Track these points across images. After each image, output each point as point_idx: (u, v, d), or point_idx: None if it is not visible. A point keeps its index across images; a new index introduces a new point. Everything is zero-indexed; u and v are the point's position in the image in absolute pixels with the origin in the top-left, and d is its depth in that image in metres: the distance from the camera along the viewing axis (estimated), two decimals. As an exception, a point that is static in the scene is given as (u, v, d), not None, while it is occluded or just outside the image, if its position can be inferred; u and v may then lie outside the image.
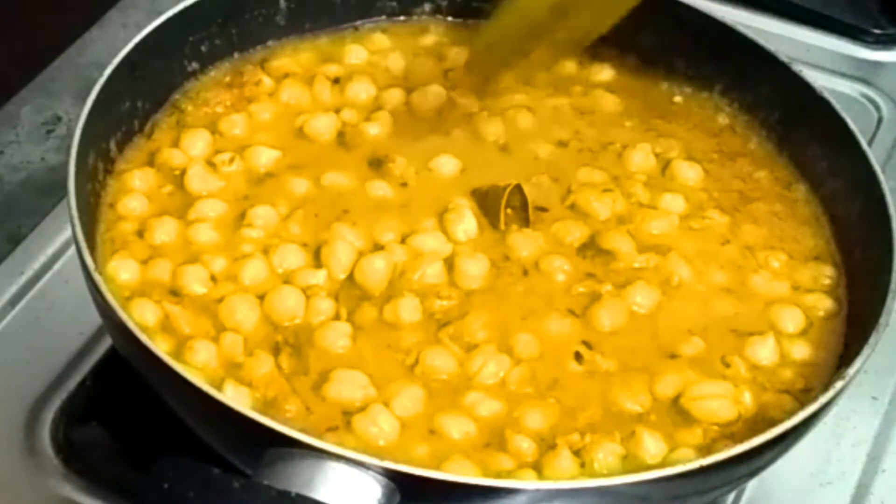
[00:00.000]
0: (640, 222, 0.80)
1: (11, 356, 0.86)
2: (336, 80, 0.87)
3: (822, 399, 0.68)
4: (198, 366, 0.71)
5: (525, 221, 0.80)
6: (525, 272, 0.77)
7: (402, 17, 0.92)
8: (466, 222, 0.79)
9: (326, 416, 0.70)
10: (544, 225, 0.80)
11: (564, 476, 0.68)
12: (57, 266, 0.91)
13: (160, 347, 0.67)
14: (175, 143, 0.82)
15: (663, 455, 0.69)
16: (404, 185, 0.81)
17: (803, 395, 0.73)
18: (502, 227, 0.79)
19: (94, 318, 0.73)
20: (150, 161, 0.81)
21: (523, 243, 0.78)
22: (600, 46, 0.90)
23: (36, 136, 1.03)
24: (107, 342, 0.85)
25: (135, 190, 0.79)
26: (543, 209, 0.81)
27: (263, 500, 0.60)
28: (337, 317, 0.74)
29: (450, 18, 0.93)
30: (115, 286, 0.73)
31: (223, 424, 0.66)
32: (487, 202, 0.80)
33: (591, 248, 0.79)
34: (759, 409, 0.72)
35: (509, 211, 0.80)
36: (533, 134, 0.86)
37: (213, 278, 0.75)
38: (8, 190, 0.99)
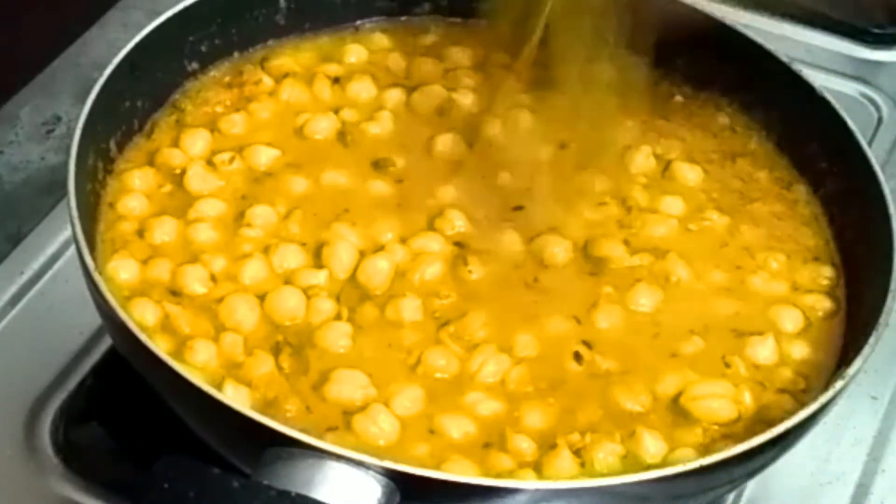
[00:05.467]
0: (640, 226, 0.80)
1: (11, 356, 0.86)
2: (336, 80, 0.87)
3: (822, 399, 0.68)
4: (198, 366, 0.71)
5: None
6: (525, 272, 0.77)
7: (402, 17, 0.92)
8: (465, 221, 0.79)
9: (326, 415, 0.70)
10: (545, 226, 0.80)
11: (564, 476, 0.68)
12: (57, 266, 0.91)
13: (160, 347, 0.67)
14: (175, 143, 0.82)
15: (663, 455, 0.69)
16: (403, 183, 0.81)
17: (803, 395, 0.73)
18: None
19: (94, 318, 0.73)
20: (150, 161, 0.81)
21: (524, 243, 0.78)
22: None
23: (36, 136, 1.03)
24: (107, 342, 0.85)
25: (135, 189, 0.79)
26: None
27: (263, 499, 0.60)
28: (338, 317, 0.74)
29: (450, 18, 0.93)
30: (114, 286, 0.73)
31: (223, 424, 0.66)
32: None
33: (591, 249, 0.79)
34: (759, 409, 0.72)
35: None
36: (534, 134, 0.86)
37: (213, 278, 0.75)
38: (8, 190, 0.99)
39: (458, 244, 0.78)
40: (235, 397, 0.69)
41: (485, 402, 0.71)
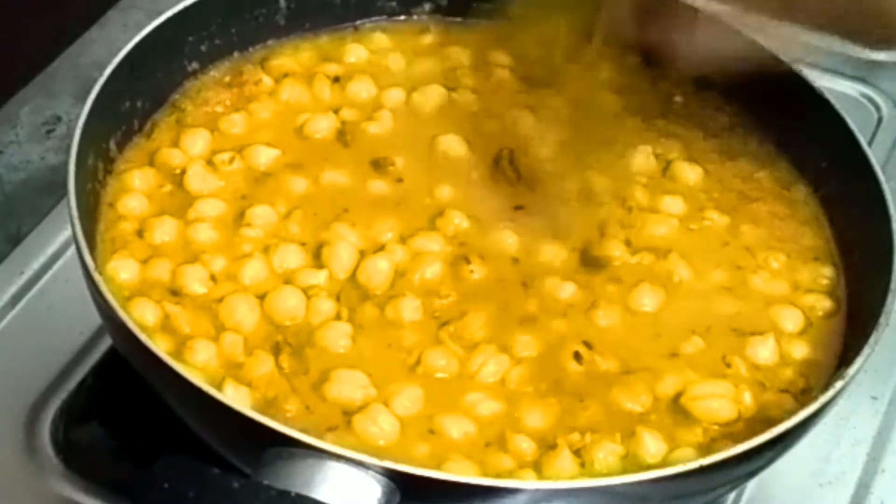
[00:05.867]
0: (640, 226, 0.80)
1: (11, 356, 0.86)
2: (336, 80, 0.87)
3: (822, 399, 0.68)
4: (198, 366, 0.71)
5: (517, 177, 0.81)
6: (525, 271, 0.77)
7: (402, 17, 0.92)
8: (465, 221, 0.79)
9: (326, 415, 0.70)
10: (545, 226, 0.80)
11: (564, 476, 0.68)
12: (57, 266, 0.91)
13: (160, 347, 0.67)
14: (175, 143, 0.82)
15: (663, 455, 0.69)
16: (403, 183, 0.81)
17: (803, 395, 0.73)
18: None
19: (94, 318, 0.73)
20: (150, 161, 0.81)
21: (524, 243, 0.78)
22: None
23: (36, 136, 1.03)
24: (107, 342, 0.85)
25: (135, 189, 0.79)
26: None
27: (263, 499, 0.60)
28: (338, 317, 0.74)
29: (450, 18, 0.93)
30: (114, 286, 0.73)
31: (223, 424, 0.66)
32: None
33: (591, 249, 0.79)
34: (759, 409, 0.72)
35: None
36: (535, 133, 0.85)
37: (213, 278, 0.75)
38: (8, 190, 0.99)
39: (459, 244, 0.78)
40: (235, 397, 0.69)
41: (485, 402, 0.71)
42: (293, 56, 0.89)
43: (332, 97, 0.86)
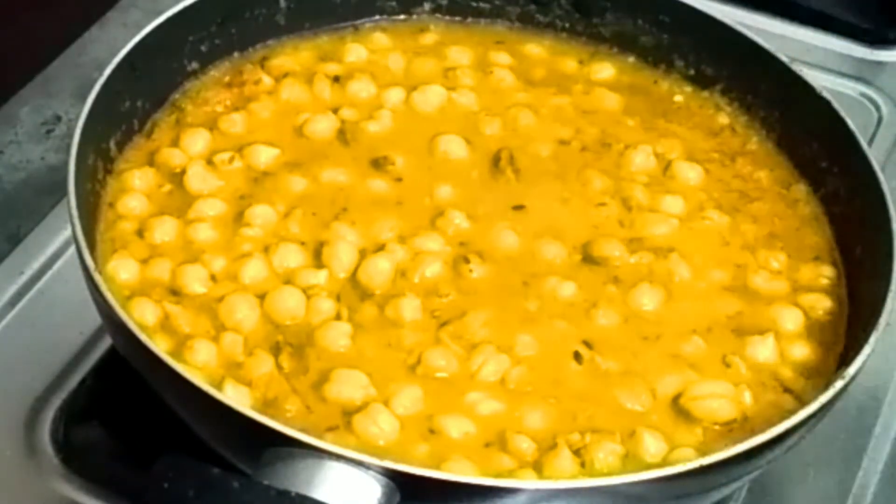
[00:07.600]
0: (641, 226, 0.80)
1: (11, 356, 0.86)
2: (336, 79, 0.87)
3: (822, 399, 0.68)
4: (198, 365, 0.71)
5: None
6: (525, 271, 0.77)
7: (401, 17, 0.92)
8: (465, 221, 0.79)
9: (326, 415, 0.70)
10: (545, 225, 0.80)
11: (564, 476, 0.68)
12: (57, 266, 0.91)
13: (160, 347, 0.67)
14: (175, 143, 0.82)
15: (663, 455, 0.69)
16: (403, 182, 0.81)
17: (804, 395, 0.73)
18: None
19: (94, 318, 0.73)
20: (150, 160, 0.81)
21: (524, 243, 0.78)
22: (600, 45, 0.91)
23: (36, 136, 1.03)
24: (107, 342, 0.85)
25: (134, 189, 0.79)
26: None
27: (263, 499, 0.60)
28: (338, 317, 0.74)
29: (449, 18, 0.93)
30: (114, 286, 0.73)
31: (223, 424, 0.66)
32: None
33: (592, 248, 0.79)
34: (759, 409, 0.72)
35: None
36: (535, 133, 0.86)
37: (213, 278, 0.75)
38: (8, 190, 0.99)
39: (459, 243, 0.78)
40: (235, 397, 0.69)
41: (485, 401, 0.71)
42: (293, 56, 0.89)
43: (332, 97, 0.86)
